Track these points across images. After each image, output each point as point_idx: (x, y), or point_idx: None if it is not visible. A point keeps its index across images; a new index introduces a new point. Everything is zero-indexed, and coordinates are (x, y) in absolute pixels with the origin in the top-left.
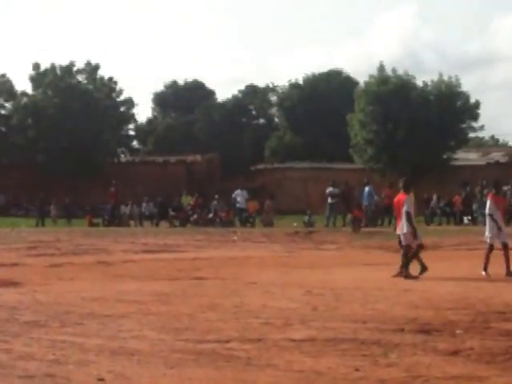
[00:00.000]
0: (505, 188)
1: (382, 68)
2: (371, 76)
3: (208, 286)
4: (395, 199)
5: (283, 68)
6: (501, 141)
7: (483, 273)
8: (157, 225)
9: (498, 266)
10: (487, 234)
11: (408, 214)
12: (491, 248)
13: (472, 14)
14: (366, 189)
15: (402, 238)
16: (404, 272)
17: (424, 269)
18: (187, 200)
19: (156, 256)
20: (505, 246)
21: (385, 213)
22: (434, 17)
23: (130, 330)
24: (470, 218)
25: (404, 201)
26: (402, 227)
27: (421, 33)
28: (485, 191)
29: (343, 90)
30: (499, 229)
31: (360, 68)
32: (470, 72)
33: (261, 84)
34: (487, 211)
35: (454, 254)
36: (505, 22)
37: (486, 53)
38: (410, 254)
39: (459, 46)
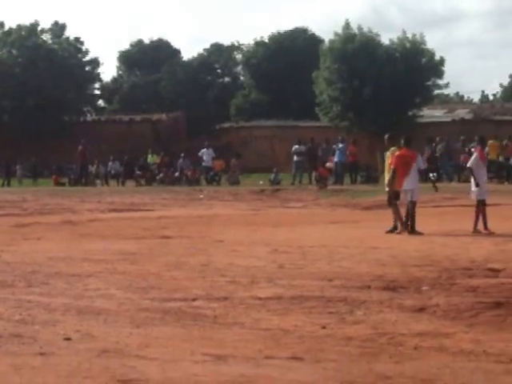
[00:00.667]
0: (470, 145)
1: (347, 26)
2: (336, 34)
3: (174, 245)
4: (398, 154)
5: (249, 26)
6: (466, 98)
7: (484, 231)
8: (123, 184)
9: (465, 222)
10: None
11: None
12: (481, 204)
13: None
14: (340, 146)
15: (408, 194)
16: (402, 227)
17: (395, 228)
18: (153, 159)
19: (122, 215)
20: (480, 203)
21: (351, 170)
22: None
23: (96, 289)
24: (435, 174)
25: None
26: (412, 183)
27: None
28: (471, 145)
29: (309, 48)
30: (477, 185)
31: (326, 26)
32: (435, 29)
33: (226, 42)
34: (469, 164)
35: (420, 211)
36: None
37: (450, 10)
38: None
39: (424, 2)
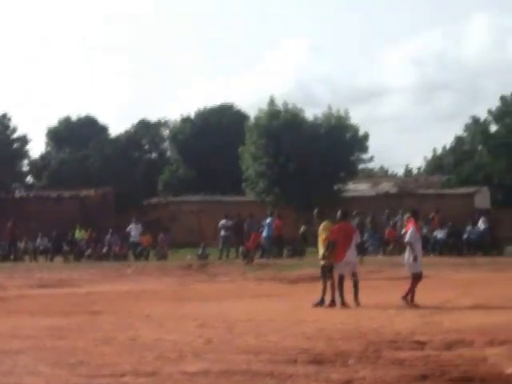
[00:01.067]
0: (395, 219)
1: (272, 102)
2: (261, 110)
3: (103, 320)
4: (339, 228)
5: (175, 103)
6: (390, 172)
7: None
8: (51, 259)
9: (390, 295)
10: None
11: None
12: (417, 277)
13: (362, 48)
14: (268, 220)
15: (351, 266)
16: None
17: (323, 301)
18: (81, 234)
19: (51, 291)
20: (416, 276)
21: (276, 244)
22: (326, 51)
23: (25, 365)
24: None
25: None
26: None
27: (312, 66)
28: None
29: (235, 124)
30: (415, 258)
31: (252, 102)
32: (361, 104)
33: (153, 119)
34: (407, 239)
35: (345, 284)
36: (392, 56)
37: (375, 85)
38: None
39: (349, 78)
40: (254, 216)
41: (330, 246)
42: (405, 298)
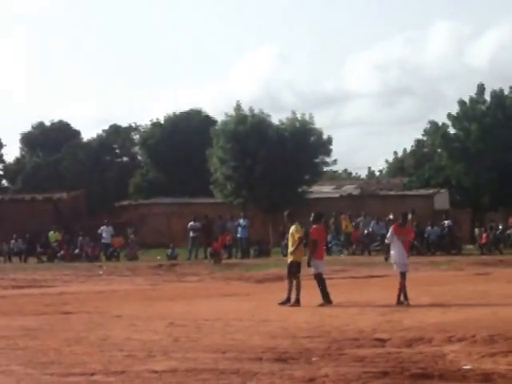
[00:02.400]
0: (358, 220)
1: (238, 107)
2: (227, 115)
3: (74, 320)
4: (319, 228)
5: (145, 108)
6: (353, 174)
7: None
8: (25, 261)
9: (353, 294)
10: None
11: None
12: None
13: (327, 55)
14: (241, 221)
15: (323, 265)
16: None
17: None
18: (54, 236)
19: (24, 291)
20: (402, 275)
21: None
22: (292, 57)
23: None
24: (324, 248)
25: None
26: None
27: (280, 72)
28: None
29: (204, 129)
30: (386, 259)
31: (222, 107)
32: (325, 109)
33: (124, 124)
34: (386, 241)
35: (308, 283)
36: (356, 62)
37: (339, 91)
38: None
39: (315, 84)
40: (223, 218)
41: (313, 245)
42: (399, 301)
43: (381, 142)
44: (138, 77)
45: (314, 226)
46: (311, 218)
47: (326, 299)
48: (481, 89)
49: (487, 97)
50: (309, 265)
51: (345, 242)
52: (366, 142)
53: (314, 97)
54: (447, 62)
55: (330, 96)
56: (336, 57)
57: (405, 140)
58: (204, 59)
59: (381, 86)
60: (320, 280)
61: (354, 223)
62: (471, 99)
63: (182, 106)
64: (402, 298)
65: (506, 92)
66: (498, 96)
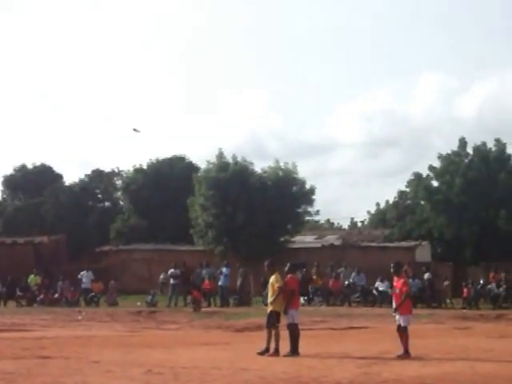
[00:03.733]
0: (339, 270)
1: (220, 155)
2: (210, 162)
3: (52, 365)
4: (296, 278)
5: (129, 153)
6: (335, 224)
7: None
8: (5, 304)
9: (331, 345)
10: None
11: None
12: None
13: (313, 104)
14: (224, 270)
15: (298, 315)
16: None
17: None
18: (35, 280)
19: (2, 335)
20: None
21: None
22: (278, 105)
23: None
24: (305, 298)
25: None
26: None
27: (266, 120)
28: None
29: (186, 175)
30: (394, 311)
31: (206, 154)
32: (310, 158)
33: (106, 169)
34: (405, 292)
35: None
36: (342, 112)
37: (324, 140)
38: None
39: (300, 133)
40: (205, 265)
41: (290, 295)
42: (405, 354)
43: (364, 193)
44: (121, 122)
45: (290, 276)
46: (286, 268)
47: (295, 351)
48: (462, 143)
49: (469, 150)
50: (285, 313)
51: (324, 293)
52: (349, 192)
53: (299, 145)
54: (434, 113)
55: (315, 145)
56: (323, 106)
57: (388, 191)
58: (189, 105)
59: (366, 136)
60: (293, 330)
61: (334, 273)
62: (453, 152)
63: (166, 152)
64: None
65: (490, 145)
66: (480, 150)
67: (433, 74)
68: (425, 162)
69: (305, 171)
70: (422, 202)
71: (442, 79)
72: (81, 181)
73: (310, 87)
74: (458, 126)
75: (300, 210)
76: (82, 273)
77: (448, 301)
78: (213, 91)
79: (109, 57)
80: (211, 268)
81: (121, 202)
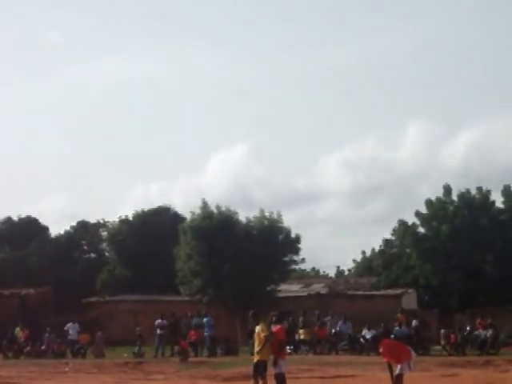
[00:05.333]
0: (325, 319)
1: (205, 205)
2: (194, 213)
3: None
4: (283, 329)
5: (114, 204)
6: (322, 272)
7: None
8: None
9: None
10: None
11: None
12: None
13: (300, 154)
14: (205, 319)
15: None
16: None
17: None
18: (20, 333)
19: None
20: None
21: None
22: (266, 156)
23: None
24: (292, 347)
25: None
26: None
27: (251, 171)
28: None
29: (172, 225)
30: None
31: (192, 204)
32: (296, 207)
33: (92, 220)
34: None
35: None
36: (328, 162)
37: (310, 189)
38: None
39: (286, 182)
40: (196, 315)
41: (280, 345)
42: None
43: (350, 241)
44: (107, 173)
45: (279, 326)
46: (274, 318)
47: None
48: (447, 189)
49: (454, 197)
50: (275, 364)
51: (311, 342)
52: (334, 240)
53: (285, 194)
54: (419, 161)
55: (300, 194)
56: (308, 155)
57: (373, 239)
58: (175, 157)
59: (351, 184)
60: (281, 380)
61: (320, 322)
62: (438, 200)
63: (152, 202)
64: None
65: (473, 192)
66: (465, 197)
67: (418, 121)
68: (410, 210)
69: (291, 220)
70: (408, 250)
71: (427, 127)
72: (66, 232)
73: (295, 137)
74: (443, 173)
75: (286, 259)
76: (68, 324)
77: (440, 347)
78: (198, 143)
79: (94, 106)
80: (200, 318)
81: (106, 253)
